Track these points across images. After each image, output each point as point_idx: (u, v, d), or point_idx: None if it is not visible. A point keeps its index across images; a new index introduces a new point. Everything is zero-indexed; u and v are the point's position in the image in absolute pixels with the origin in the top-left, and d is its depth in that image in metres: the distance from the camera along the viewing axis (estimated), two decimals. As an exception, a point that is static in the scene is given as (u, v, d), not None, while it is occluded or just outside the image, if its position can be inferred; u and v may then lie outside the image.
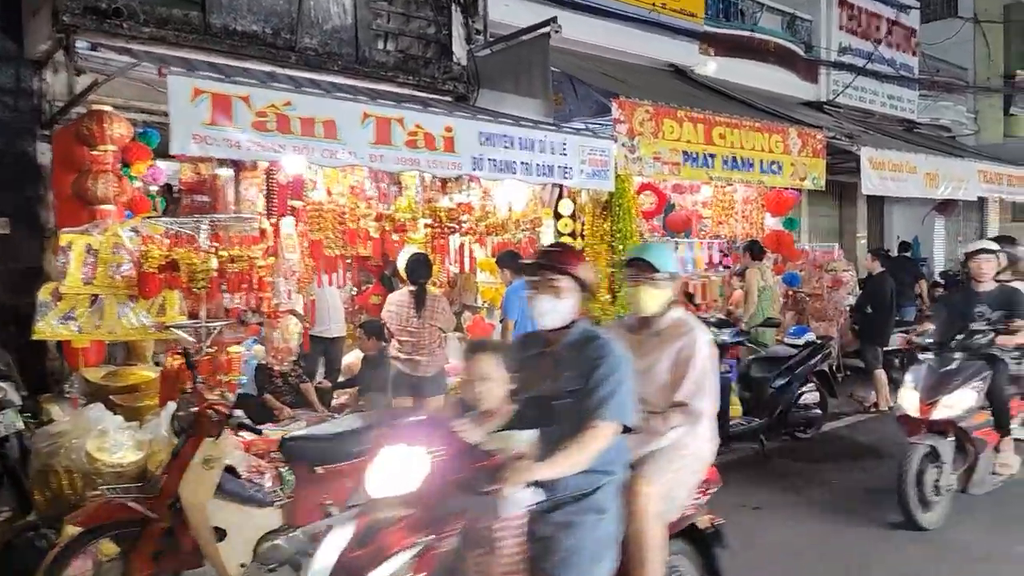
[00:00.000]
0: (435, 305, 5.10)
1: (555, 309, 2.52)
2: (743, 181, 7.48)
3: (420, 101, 5.78)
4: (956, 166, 10.08)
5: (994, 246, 5.29)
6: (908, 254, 11.01)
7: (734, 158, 7.15)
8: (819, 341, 7.04)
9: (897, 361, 8.90)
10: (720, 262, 8.53)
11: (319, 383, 6.65)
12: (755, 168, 7.35)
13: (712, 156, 6.94)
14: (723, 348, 6.32)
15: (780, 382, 6.53)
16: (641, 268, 3.01)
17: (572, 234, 6.63)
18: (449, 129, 5.19)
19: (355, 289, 7.43)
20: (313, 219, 5.65)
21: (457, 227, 6.48)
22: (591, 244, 6.68)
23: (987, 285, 5.10)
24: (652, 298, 2.99)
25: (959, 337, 4.86)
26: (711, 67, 9.81)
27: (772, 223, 8.81)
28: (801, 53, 10.93)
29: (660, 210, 7.79)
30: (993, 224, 16.83)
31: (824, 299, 9.36)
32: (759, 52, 10.38)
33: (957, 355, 4.81)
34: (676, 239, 8.24)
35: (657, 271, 2.96)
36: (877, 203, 14.00)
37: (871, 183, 8.55)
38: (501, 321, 5.35)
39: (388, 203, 6.20)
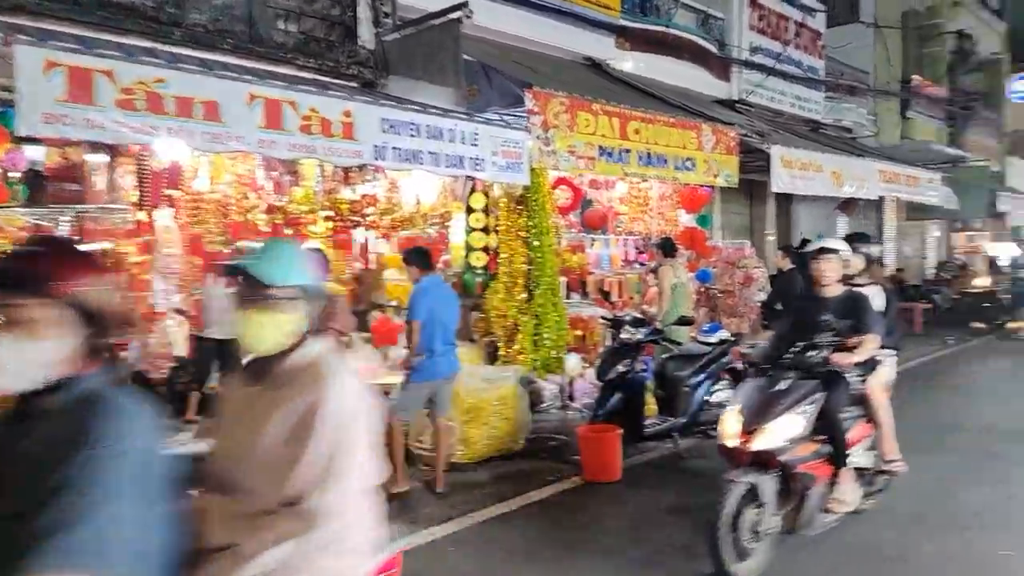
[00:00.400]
0: (331, 306, 4.70)
1: (24, 358, 1.43)
2: (657, 177, 7.40)
3: (318, 84, 5.37)
4: (858, 166, 10.42)
5: (838, 245, 4.50)
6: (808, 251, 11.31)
7: (649, 154, 7.05)
8: (732, 338, 7.04)
9: (805, 356, 9.12)
10: (635, 259, 8.46)
11: (211, 389, 6.16)
12: (669, 164, 7.27)
13: (627, 151, 6.81)
14: (638, 346, 6.22)
15: (694, 380, 6.46)
16: (248, 281, 1.81)
17: (485, 229, 6.36)
18: (348, 114, 4.83)
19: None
20: (192, 210, 5.14)
21: (360, 220, 6.09)
22: (505, 240, 6.43)
23: (834, 290, 4.37)
24: (268, 328, 1.79)
25: (793, 351, 4.05)
26: (627, 62, 9.74)
27: (686, 220, 8.82)
28: (714, 51, 11.03)
29: (575, 205, 7.62)
30: (890, 222, 17.68)
31: (736, 296, 9.47)
32: (674, 48, 10.39)
33: (791, 373, 4.02)
34: (593, 235, 8.11)
35: (270, 286, 1.78)
36: (784, 201, 14.38)
37: (781, 181, 8.67)
38: (407, 323, 5.02)
39: (282, 194, 5.75)
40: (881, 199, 15.69)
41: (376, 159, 4.99)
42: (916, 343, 12.69)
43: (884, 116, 15.08)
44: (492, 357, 6.46)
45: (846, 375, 4.22)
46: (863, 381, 4.49)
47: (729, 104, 11.35)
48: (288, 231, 5.64)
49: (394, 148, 5.04)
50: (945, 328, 13.97)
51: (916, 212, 16.34)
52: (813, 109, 12.98)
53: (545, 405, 7.01)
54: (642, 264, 8.28)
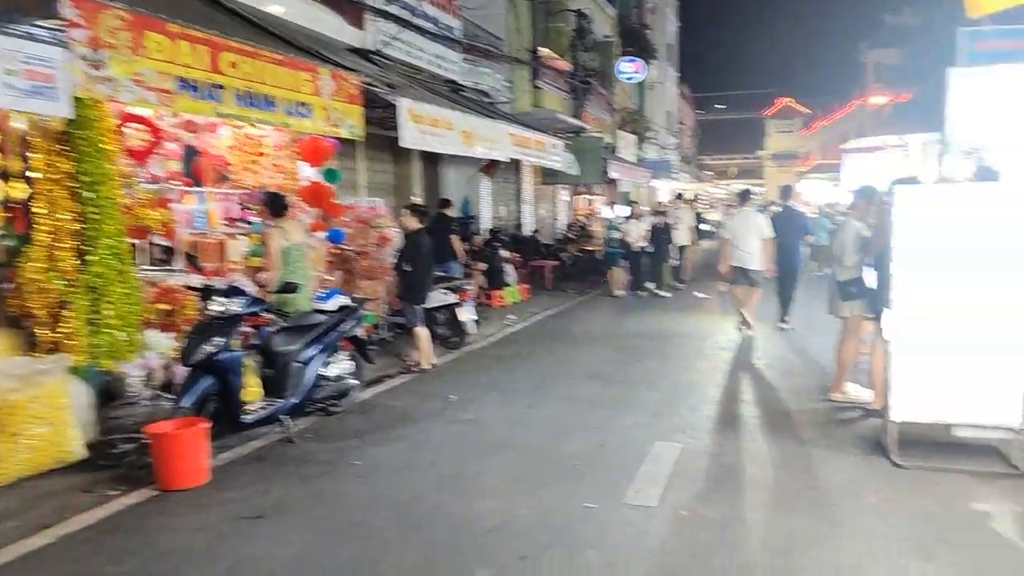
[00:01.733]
0: None
1: None
2: (263, 122, 6.40)
3: None
4: (489, 127, 10.59)
5: None
6: (446, 211, 11.30)
7: (250, 94, 6.01)
8: (352, 304, 6.46)
9: (440, 317, 9.03)
10: (241, 217, 7.36)
11: None
12: (279, 108, 6.32)
13: (220, 87, 5.68)
14: (235, 319, 5.26)
15: (306, 354, 5.75)
16: None
17: (4, 175, 4.76)
18: None
19: None
20: None
21: None
22: (44, 191, 4.89)
23: None
24: None
25: None
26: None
27: (310, 174, 7.97)
28: (345, -6, 10.22)
29: (153, 149, 6.25)
30: (528, 185, 19.04)
31: (371, 257, 8.97)
32: (301, -15, 9.34)
33: None
34: (188, 189, 6.81)
35: None
36: (432, 161, 14.38)
37: (410, 136, 8.28)
38: None
39: None
40: (519, 164, 16.70)
41: None
42: (547, 297, 13.77)
43: (518, 84, 15.87)
44: (32, 344, 4.95)
45: None
46: None
47: (364, 54, 10.69)
48: None
49: None
50: (570, 283, 15.44)
51: (548, 177, 17.75)
52: (451, 69, 12.98)
53: (133, 398, 5.69)
54: (249, 223, 7.22)
